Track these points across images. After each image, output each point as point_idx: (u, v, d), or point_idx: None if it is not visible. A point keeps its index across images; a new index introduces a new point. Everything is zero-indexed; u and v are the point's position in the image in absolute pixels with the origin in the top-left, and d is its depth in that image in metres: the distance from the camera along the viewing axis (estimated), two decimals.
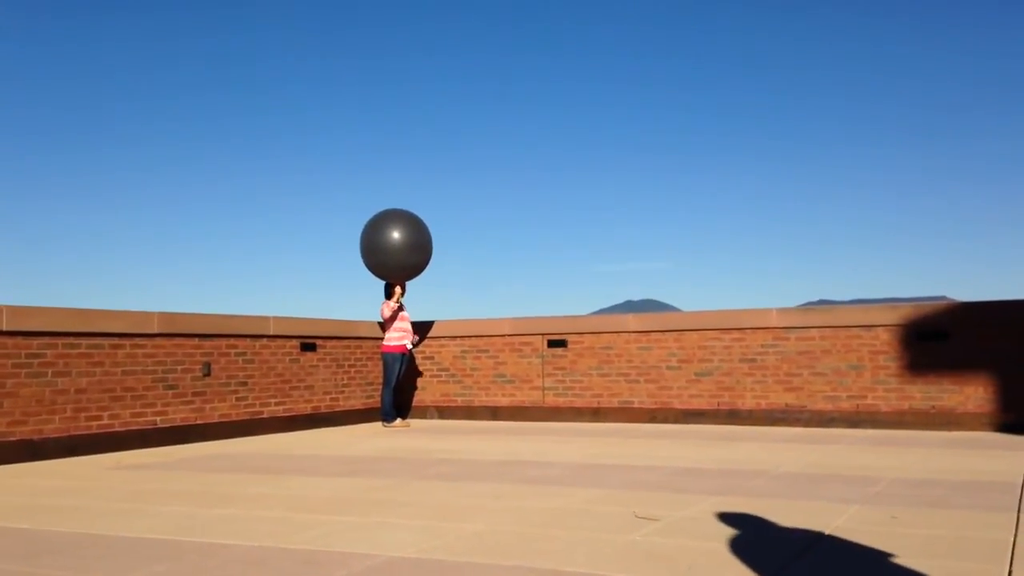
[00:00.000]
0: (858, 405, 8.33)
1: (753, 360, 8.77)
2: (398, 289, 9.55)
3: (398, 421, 9.40)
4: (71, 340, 6.94)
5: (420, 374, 10.27)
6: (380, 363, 9.81)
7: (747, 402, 8.76)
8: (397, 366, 9.42)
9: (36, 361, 6.69)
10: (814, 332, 8.56)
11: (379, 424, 9.48)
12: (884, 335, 8.28)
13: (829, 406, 8.43)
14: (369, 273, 9.65)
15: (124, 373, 7.32)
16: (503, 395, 9.86)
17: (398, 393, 9.72)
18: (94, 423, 7.06)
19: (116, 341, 7.29)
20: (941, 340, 8.05)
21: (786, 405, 8.60)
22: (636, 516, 3.89)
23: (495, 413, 9.86)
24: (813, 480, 4.96)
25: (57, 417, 6.79)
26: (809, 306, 9.24)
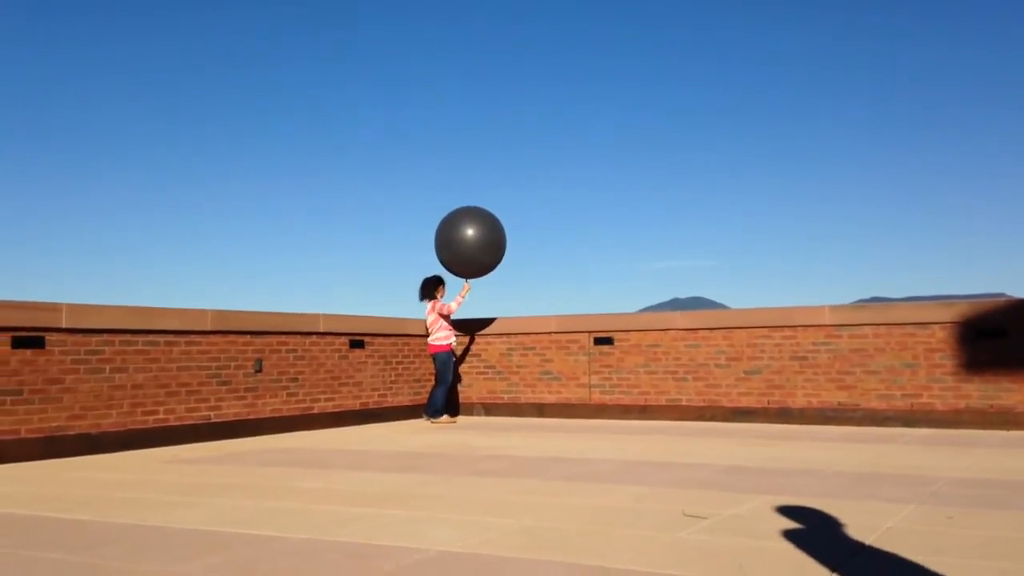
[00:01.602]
0: (913, 404, 8.16)
1: (804, 358, 8.65)
2: (468, 285, 9.58)
3: (444, 417, 9.45)
4: (128, 337, 7.11)
5: (459, 376, 10.30)
6: (428, 360, 9.86)
7: (798, 400, 8.63)
8: (451, 364, 9.50)
9: (94, 358, 6.87)
10: (867, 330, 8.40)
11: (426, 420, 9.53)
12: (940, 333, 8.10)
13: (883, 405, 8.27)
14: (419, 269, 9.71)
15: (179, 369, 7.48)
16: (549, 392, 9.86)
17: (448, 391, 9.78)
18: (150, 418, 7.22)
19: (171, 338, 7.45)
20: (998, 337, 7.84)
21: (838, 404, 8.46)
22: (684, 514, 3.86)
23: (541, 410, 9.86)
24: (866, 479, 4.87)
25: (114, 412, 6.97)
26: (862, 303, 9.07)
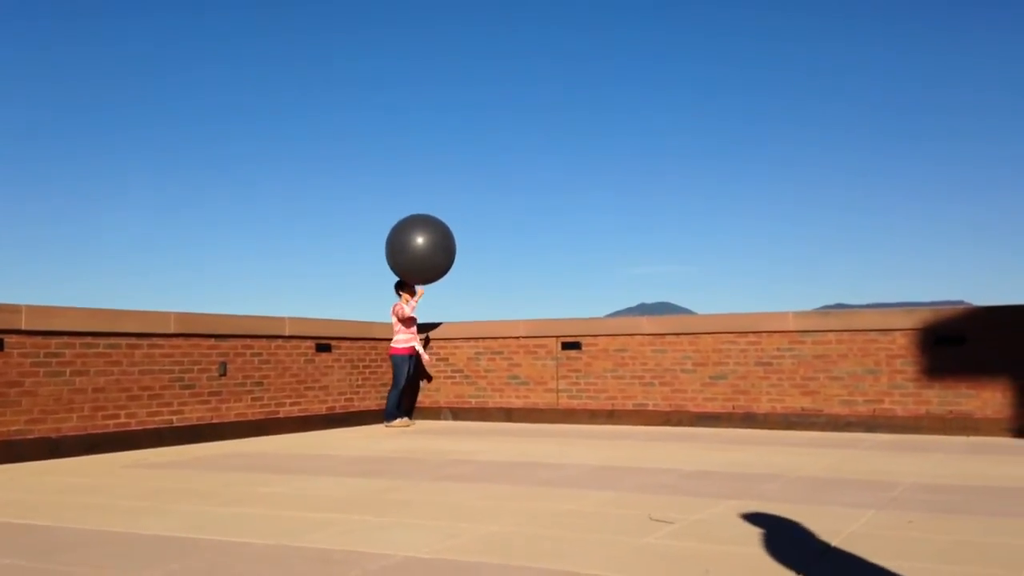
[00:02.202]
0: (875, 409, 8.28)
1: (769, 363, 8.73)
2: (420, 289, 9.59)
3: (398, 420, 9.42)
4: (89, 340, 7.00)
5: (428, 377, 10.28)
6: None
7: (762, 406, 8.72)
8: (406, 367, 9.45)
9: (55, 360, 6.74)
10: (831, 336, 8.51)
11: (384, 426, 9.47)
12: (901, 339, 8.23)
13: (846, 410, 8.38)
14: (382, 274, 9.71)
15: (141, 372, 7.37)
16: (517, 397, 9.86)
17: (405, 394, 9.75)
18: (111, 422, 7.11)
19: (133, 341, 7.34)
20: (958, 344, 7.99)
21: (802, 409, 8.55)
22: (651, 519, 3.88)
23: (509, 415, 9.85)
24: (829, 484, 4.93)
25: (75, 415, 6.85)
26: (826, 309, 9.19)
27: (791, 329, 8.68)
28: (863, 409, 8.32)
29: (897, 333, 8.25)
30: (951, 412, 7.97)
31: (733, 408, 8.84)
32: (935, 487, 4.80)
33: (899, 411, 8.17)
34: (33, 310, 6.63)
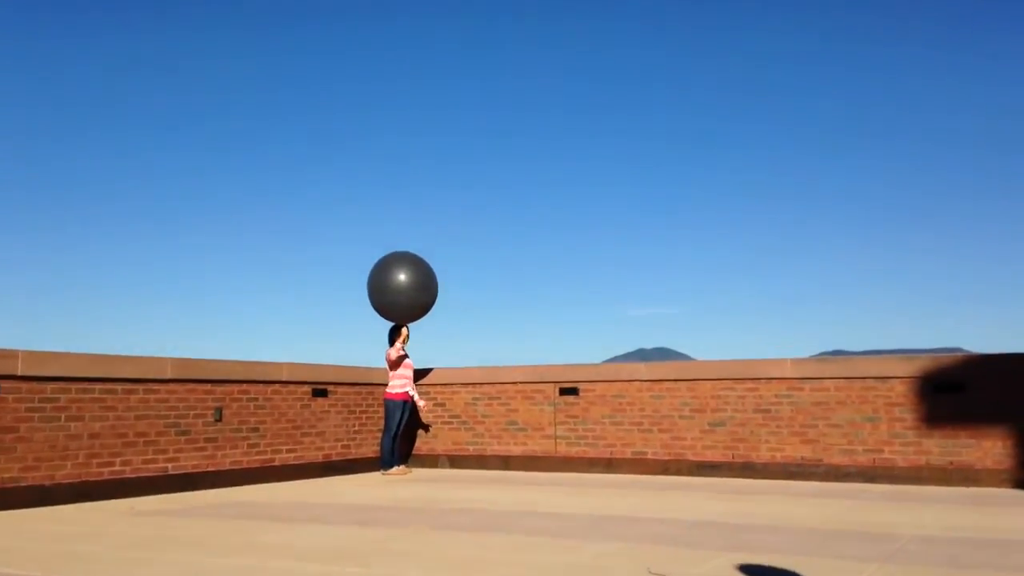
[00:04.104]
0: (875, 459, 8.22)
1: (767, 410, 8.70)
2: (404, 331, 9.58)
3: (396, 468, 9.33)
4: (85, 385, 6.96)
5: (427, 426, 10.22)
6: None
7: (762, 454, 8.66)
8: (399, 414, 9.40)
9: (49, 405, 6.70)
10: (829, 383, 8.49)
11: (381, 474, 9.39)
12: (900, 387, 8.20)
13: (846, 460, 8.32)
14: (376, 316, 9.71)
15: (137, 418, 7.32)
16: (515, 443, 9.80)
17: (401, 441, 9.68)
18: (106, 469, 7.04)
19: (129, 386, 7.30)
20: (957, 392, 7.96)
21: (802, 458, 8.50)
22: (650, 572, 3.83)
23: (507, 462, 9.78)
24: (830, 536, 4.88)
25: (69, 463, 6.78)
26: (824, 356, 9.18)
27: (789, 376, 8.66)
28: (863, 459, 8.26)
29: (896, 381, 8.23)
30: (951, 463, 7.92)
31: (732, 456, 8.78)
32: (937, 539, 4.75)
33: (900, 461, 8.12)
34: (29, 355, 6.61)
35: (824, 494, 7.12)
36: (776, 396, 8.67)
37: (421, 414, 10.10)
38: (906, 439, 8.11)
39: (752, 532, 5.03)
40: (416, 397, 9.64)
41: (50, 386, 6.72)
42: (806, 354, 10.30)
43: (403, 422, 9.50)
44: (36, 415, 6.60)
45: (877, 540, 4.72)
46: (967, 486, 7.73)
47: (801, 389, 8.58)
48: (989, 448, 7.79)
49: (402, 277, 9.52)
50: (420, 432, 10.25)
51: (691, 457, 8.94)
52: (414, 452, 10.25)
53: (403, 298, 9.49)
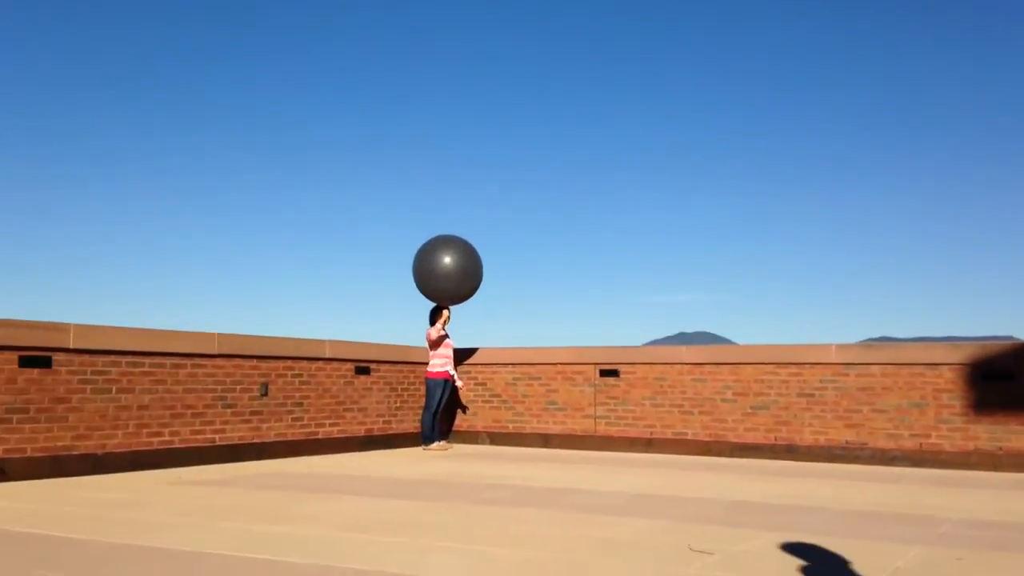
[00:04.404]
0: (921, 444, 8.10)
1: (811, 395, 8.60)
2: (446, 313, 9.64)
3: (436, 444, 9.44)
4: (135, 359, 7.13)
5: (464, 407, 10.29)
6: None
7: (805, 437, 8.58)
8: (439, 392, 9.49)
9: (101, 378, 6.87)
10: (875, 369, 8.37)
11: (423, 449, 9.50)
12: (948, 373, 8.06)
13: (891, 444, 8.21)
14: (422, 298, 9.78)
15: (185, 391, 7.48)
16: (554, 423, 9.82)
17: (442, 418, 9.78)
18: (155, 439, 7.21)
19: (178, 360, 7.45)
20: (1007, 380, 7.80)
21: (846, 442, 8.40)
22: (691, 549, 3.83)
23: (546, 440, 9.81)
24: (874, 519, 4.82)
25: (120, 432, 6.96)
26: (870, 342, 9.04)
27: (834, 361, 8.55)
28: (909, 444, 8.14)
29: (944, 367, 8.08)
30: (1001, 448, 7.77)
31: (775, 439, 8.71)
32: (985, 523, 4.67)
33: (947, 446, 7.98)
34: (81, 329, 6.77)
35: (868, 477, 7.03)
36: (820, 381, 8.57)
37: (460, 394, 10.19)
38: (953, 424, 7.97)
39: (794, 513, 4.99)
40: (455, 378, 9.72)
41: (101, 359, 6.88)
42: (851, 340, 10.16)
43: (443, 400, 9.58)
44: (88, 387, 6.78)
45: (921, 523, 4.66)
46: (1016, 472, 7.58)
47: (846, 375, 8.47)
48: None
49: (448, 261, 9.56)
50: (460, 410, 10.34)
51: (732, 439, 8.89)
52: (454, 429, 10.33)
53: (449, 283, 9.54)
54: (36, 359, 6.45)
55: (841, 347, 8.62)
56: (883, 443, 8.24)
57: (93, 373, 6.82)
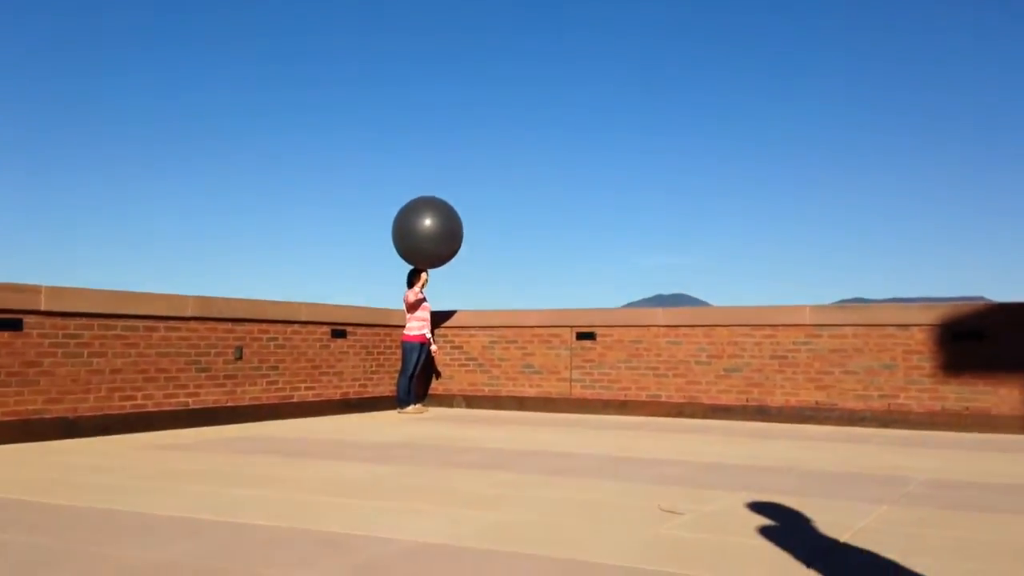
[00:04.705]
0: (890, 404, 8.22)
1: (784, 357, 8.70)
2: (424, 276, 9.62)
3: (412, 407, 9.47)
4: (107, 321, 7.06)
5: (437, 373, 10.31)
6: None
7: (776, 399, 8.69)
8: (415, 355, 9.49)
9: (73, 341, 6.81)
10: (848, 330, 8.46)
11: (398, 412, 9.53)
12: (919, 334, 8.16)
13: (860, 405, 8.33)
14: (400, 260, 9.73)
15: (158, 355, 7.43)
16: (530, 386, 9.87)
17: (418, 382, 9.81)
18: (128, 403, 7.17)
19: (151, 323, 7.40)
20: (976, 340, 7.92)
21: (816, 403, 8.51)
22: (661, 509, 3.88)
23: (522, 403, 9.87)
24: (841, 479, 4.91)
25: (92, 396, 6.92)
26: (844, 303, 9.13)
27: (808, 323, 8.63)
28: (878, 404, 8.27)
29: (915, 328, 8.19)
30: (967, 409, 7.91)
31: (747, 401, 8.82)
32: (949, 483, 4.77)
33: (915, 407, 8.11)
34: (52, 291, 6.69)
35: (837, 438, 7.14)
36: (793, 343, 8.66)
37: (436, 358, 10.21)
38: (922, 385, 8.10)
39: (764, 473, 5.07)
40: (432, 342, 9.72)
41: (73, 322, 6.81)
42: (826, 302, 10.25)
43: (420, 363, 9.59)
44: (59, 350, 6.71)
45: (888, 483, 4.75)
46: (982, 432, 7.73)
47: (819, 336, 8.56)
48: (1006, 395, 7.77)
49: (428, 223, 9.51)
50: (435, 374, 10.37)
51: (706, 400, 8.98)
52: (430, 392, 10.37)
53: (429, 245, 9.49)
54: (6, 321, 6.38)
55: (815, 308, 8.71)
56: (852, 404, 8.36)
57: (65, 336, 6.75)
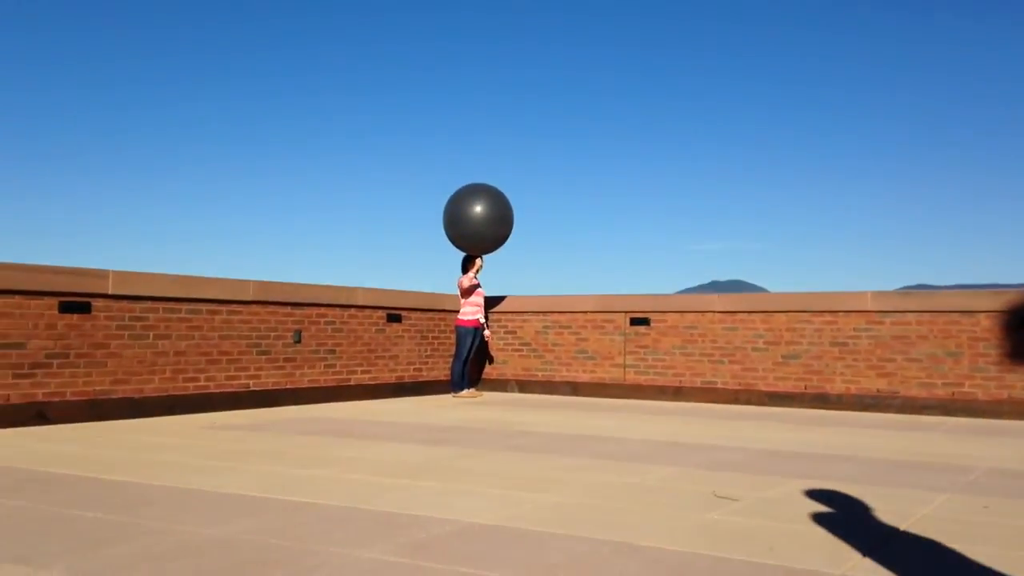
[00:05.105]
0: (954, 393, 8.02)
1: (844, 344, 8.54)
2: (478, 262, 9.66)
3: (466, 391, 9.54)
4: (172, 305, 7.25)
5: (490, 358, 10.36)
6: None
7: (836, 386, 8.54)
8: (469, 340, 9.55)
9: (139, 324, 7.01)
10: (911, 317, 8.27)
11: (452, 396, 9.61)
12: (985, 321, 7.94)
13: (923, 393, 8.15)
14: (451, 246, 9.79)
15: (220, 338, 7.61)
16: (584, 371, 9.86)
17: (472, 366, 9.87)
18: (191, 384, 7.36)
19: (213, 307, 7.57)
20: None
21: (878, 391, 8.35)
22: (715, 495, 3.85)
23: (575, 389, 9.87)
24: (903, 467, 4.81)
25: (157, 377, 7.12)
26: (907, 290, 8.91)
27: (869, 309, 8.46)
28: (941, 392, 8.07)
29: (981, 315, 7.97)
30: None
31: (805, 388, 8.68)
32: (1014, 472, 4.64)
33: (980, 395, 7.90)
34: (119, 275, 6.89)
35: (899, 426, 7.00)
36: (855, 330, 8.50)
37: (490, 343, 10.26)
38: (988, 373, 7.88)
39: (822, 461, 4.99)
40: (485, 327, 9.77)
41: (139, 305, 7.01)
42: (888, 288, 10.03)
43: (473, 348, 9.65)
44: (126, 332, 6.92)
45: (951, 471, 4.64)
46: None
47: (881, 323, 8.39)
48: None
49: (479, 210, 9.54)
50: (489, 359, 10.42)
51: (763, 388, 8.87)
52: (484, 377, 10.43)
53: (480, 231, 9.53)
54: (75, 304, 6.59)
55: (877, 295, 8.52)
56: (915, 392, 8.18)
57: (131, 319, 6.95)
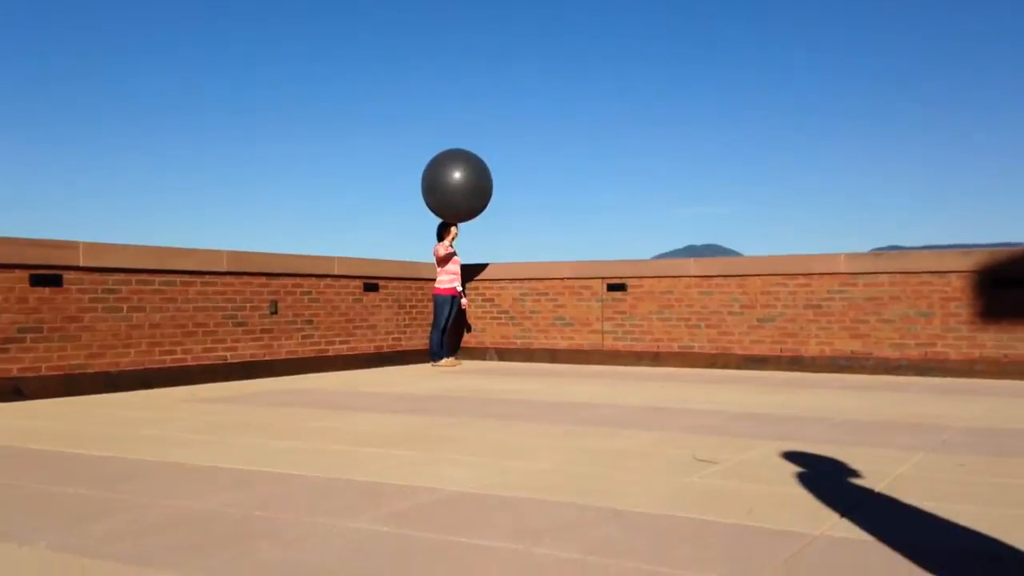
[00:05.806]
0: (926, 353, 8.15)
1: (818, 306, 8.63)
2: (454, 230, 9.63)
3: (445, 360, 9.55)
4: (145, 277, 7.17)
5: (468, 327, 10.36)
6: None
7: (811, 349, 8.64)
8: (447, 308, 9.54)
9: (112, 296, 6.93)
10: (883, 278, 8.36)
11: (431, 365, 9.62)
12: (956, 281, 8.05)
13: (896, 354, 8.27)
14: (429, 213, 9.74)
15: (195, 309, 7.55)
16: (562, 338, 9.91)
17: (450, 335, 9.87)
18: (167, 357, 7.31)
19: (187, 279, 7.50)
20: (1016, 287, 7.79)
21: (851, 352, 8.46)
22: (695, 459, 3.90)
23: (554, 356, 9.91)
24: (878, 427, 4.89)
25: (132, 351, 7.05)
26: (879, 251, 9.01)
27: (842, 271, 8.54)
28: (914, 352, 8.20)
29: (952, 275, 8.07)
30: (1006, 356, 7.82)
31: (780, 351, 8.78)
32: (988, 430, 4.73)
33: (952, 355, 8.04)
34: (90, 247, 6.79)
35: (873, 387, 7.11)
36: (828, 292, 8.58)
37: (467, 313, 10.27)
38: (960, 333, 8.01)
39: (798, 423, 5.07)
40: (463, 295, 9.77)
41: (111, 277, 6.92)
42: (861, 250, 10.13)
43: (451, 316, 9.65)
44: (99, 305, 6.84)
45: (924, 431, 4.72)
46: (1021, 379, 7.65)
47: (854, 285, 8.48)
48: None
49: (458, 176, 9.46)
50: (467, 327, 10.43)
51: (738, 351, 8.96)
52: (462, 345, 10.44)
53: (458, 198, 9.46)
54: (46, 277, 6.50)
55: (850, 256, 8.61)
56: (888, 353, 8.30)
57: (104, 291, 6.87)
